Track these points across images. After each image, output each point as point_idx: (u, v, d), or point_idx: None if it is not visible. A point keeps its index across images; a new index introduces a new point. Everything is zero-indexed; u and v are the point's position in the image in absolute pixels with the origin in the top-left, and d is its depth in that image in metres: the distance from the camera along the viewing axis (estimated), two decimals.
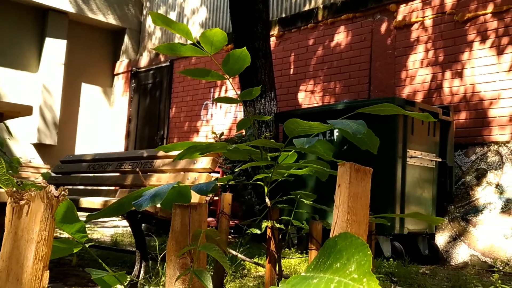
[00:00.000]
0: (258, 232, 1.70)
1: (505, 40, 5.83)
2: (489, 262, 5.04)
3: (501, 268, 4.87)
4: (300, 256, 4.71)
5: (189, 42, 1.58)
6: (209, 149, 1.69)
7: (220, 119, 8.87)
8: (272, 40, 8.15)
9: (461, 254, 5.27)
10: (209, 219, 6.84)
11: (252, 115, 5.93)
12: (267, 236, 1.65)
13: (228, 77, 1.55)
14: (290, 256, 4.65)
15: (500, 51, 5.85)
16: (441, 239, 5.48)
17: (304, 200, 1.74)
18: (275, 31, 8.24)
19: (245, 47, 1.48)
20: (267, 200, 1.61)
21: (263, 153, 1.64)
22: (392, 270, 4.24)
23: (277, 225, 1.65)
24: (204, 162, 3.29)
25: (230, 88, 8.75)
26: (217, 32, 1.40)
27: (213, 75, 1.54)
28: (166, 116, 10.05)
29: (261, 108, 5.98)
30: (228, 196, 1.90)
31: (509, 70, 5.75)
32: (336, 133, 5.46)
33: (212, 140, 7.89)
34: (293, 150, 1.55)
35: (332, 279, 0.67)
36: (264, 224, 1.67)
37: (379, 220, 1.50)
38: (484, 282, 3.37)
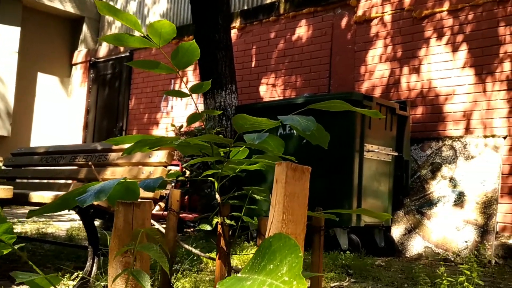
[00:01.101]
0: (209, 228, 1.68)
1: (460, 37, 5.98)
2: (442, 254, 5.19)
3: (452, 259, 5.02)
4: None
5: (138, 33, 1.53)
6: (159, 143, 1.65)
7: (181, 111, 8.77)
8: (234, 32, 8.10)
9: (415, 246, 5.40)
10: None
11: (213, 107, 5.89)
12: (217, 232, 1.63)
13: (178, 70, 1.51)
14: (249, 250, 4.65)
15: (455, 48, 6.00)
16: (396, 231, 5.60)
17: (255, 196, 1.72)
18: (236, 23, 8.19)
19: (194, 40, 1.44)
20: (217, 196, 1.59)
21: (214, 148, 1.61)
22: (348, 263, 4.30)
23: (228, 221, 1.63)
24: (159, 155, 3.23)
25: (191, 80, 8.66)
26: (165, 24, 1.36)
27: (163, 67, 1.50)
28: (125, 108, 9.87)
29: (221, 101, 5.94)
30: (176, 193, 1.87)
31: (463, 67, 5.91)
32: None
33: (172, 133, 7.80)
34: (244, 146, 1.53)
35: (265, 281, 0.66)
36: (214, 220, 1.65)
37: (328, 216, 1.50)
38: (435, 274, 3.46)
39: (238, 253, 4.59)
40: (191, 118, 1.58)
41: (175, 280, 2.79)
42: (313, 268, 1.58)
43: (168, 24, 1.37)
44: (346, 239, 5.01)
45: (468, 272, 2.09)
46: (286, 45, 7.57)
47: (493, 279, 4.14)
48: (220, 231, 1.59)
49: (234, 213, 1.70)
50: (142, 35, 1.49)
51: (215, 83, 5.87)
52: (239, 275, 0.77)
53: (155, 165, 3.26)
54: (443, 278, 2.12)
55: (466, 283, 2.03)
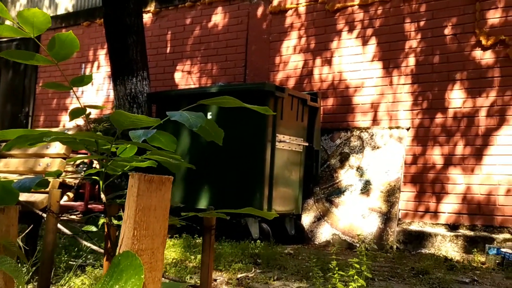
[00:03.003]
0: (94, 229, 1.59)
1: (369, 31, 6.19)
2: (348, 241, 5.40)
3: (358, 246, 5.23)
4: None
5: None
6: (41, 138, 1.53)
7: (92, 96, 8.39)
8: (148, 16, 7.85)
9: (324, 233, 5.58)
10: (77, 203, 6.48)
11: (123, 94, 5.68)
12: (105, 234, 1.55)
13: (56, 62, 1.40)
14: None
15: (365, 42, 6.21)
16: (306, 219, 5.74)
17: None
18: (151, 7, 7.94)
19: (71, 31, 1.34)
20: (102, 196, 1.51)
21: (101, 143, 1.52)
22: (258, 252, 4.35)
23: (116, 222, 1.55)
24: (58, 146, 3.05)
25: (103, 65, 8.30)
26: (36, 13, 1.25)
27: (39, 58, 1.38)
28: (32, 92, 9.28)
29: (132, 87, 5.74)
30: (56, 193, 1.76)
31: (372, 60, 6.13)
32: (209, 116, 5.42)
33: (81, 120, 7.45)
34: (126, 144, 1.45)
35: None
36: (101, 221, 1.56)
37: (219, 215, 1.47)
38: (340, 262, 3.56)
39: None
40: (73, 113, 1.48)
41: (67, 278, 2.65)
42: (203, 269, 1.55)
43: (41, 14, 1.26)
44: (257, 228, 5.07)
45: (358, 266, 2.17)
46: (202, 32, 7.46)
47: (392, 264, 4.37)
48: (107, 232, 1.51)
49: (120, 213, 1.62)
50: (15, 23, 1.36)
51: (126, 69, 5.66)
52: None
53: (53, 156, 3.08)
54: (335, 271, 2.19)
55: (356, 276, 2.11)
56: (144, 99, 5.85)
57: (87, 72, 8.45)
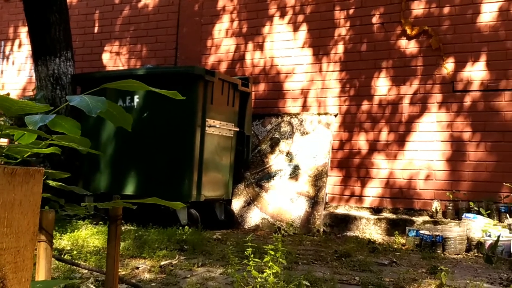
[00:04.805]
0: None
1: (300, 17, 6.22)
2: (277, 224, 5.46)
3: (286, 229, 5.31)
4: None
5: None
6: None
7: (13, 77, 7.92)
8: None
9: (253, 217, 5.61)
10: None
11: (45, 75, 5.39)
12: None
13: None
14: (80, 230, 4.39)
15: (296, 28, 6.24)
16: (237, 204, 5.75)
17: (49, 182, 1.56)
18: None
19: None
20: None
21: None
22: (185, 238, 4.30)
23: None
24: None
25: (25, 43, 7.83)
26: None
27: None
28: None
29: (55, 68, 5.45)
30: None
31: (302, 47, 6.18)
32: (136, 99, 5.27)
33: None
34: (23, 130, 1.35)
35: None
36: None
37: (126, 205, 1.41)
38: (266, 244, 3.58)
39: (69, 232, 4.31)
40: None
41: None
42: (108, 260, 1.48)
43: None
44: (186, 214, 5.01)
45: (273, 252, 2.19)
46: (131, 12, 7.20)
47: (318, 247, 4.46)
48: None
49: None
50: None
51: (48, 49, 5.37)
52: None
53: None
54: (250, 259, 2.19)
55: (271, 263, 2.12)
56: (68, 80, 5.58)
57: (7, 50, 7.95)
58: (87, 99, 1.33)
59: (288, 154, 5.80)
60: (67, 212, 1.49)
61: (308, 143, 5.76)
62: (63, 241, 3.95)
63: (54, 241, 3.95)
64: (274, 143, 5.95)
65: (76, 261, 3.28)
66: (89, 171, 5.49)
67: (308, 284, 2.27)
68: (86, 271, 2.88)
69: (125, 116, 1.56)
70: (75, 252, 3.47)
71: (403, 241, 4.78)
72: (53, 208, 1.38)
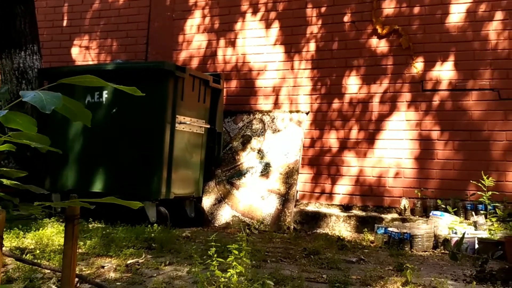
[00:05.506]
0: None
1: (273, 15, 6.21)
2: (247, 222, 5.44)
3: (257, 227, 5.30)
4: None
5: None
6: None
7: None
8: None
9: (224, 215, 5.58)
10: None
11: (9, 69, 5.24)
12: None
13: None
14: (46, 227, 4.29)
15: (268, 25, 6.23)
16: (207, 201, 5.71)
17: (3, 180, 1.50)
18: None
19: None
20: None
21: None
22: (154, 236, 4.24)
23: None
24: None
25: None
26: None
27: None
28: None
29: (20, 62, 5.31)
30: None
31: (275, 44, 6.17)
32: (105, 95, 5.17)
33: None
34: None
35: None
36: None
37: (83, 204, 1.36)
38: (235, 242, 3.55)
39: (34, 230, 4.21)
40: None
41: None
42: (65, 261, 1.43)
43: None
44: (155, 212, 4.94)
45: (237, 252, 2.16)
46: (102, 6, 7.07)
47: (287, 245, 4.46)
48: None
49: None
50: None
51: (12, 42, 5.22)
52: None
53: None
54: (213, 259, 2.16)
55: (234, 263, 2.10)
56: (34, 74, 5.44)
57: None
58: (41, 95, 1.28)
59: (260, 151, 5.79)
60: (20, 212, 1.44)
61: (280, 140, 5.75)
62: (27, 240, 3.85)
63: (17, 240, 3.84)
64: (246, 141, 5.93)
65: (39, 261, 3.20)
66: (56, 167, 5.36)
67: (272, 283, 2.26)
68: (49, 271, 2.81)
69: (84, 112, 1.52)
70: (38, 252, 3.38)
71: (372, 238, 4.82)
72: (5, 208, 1.33)
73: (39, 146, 1.57)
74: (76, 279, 2.56)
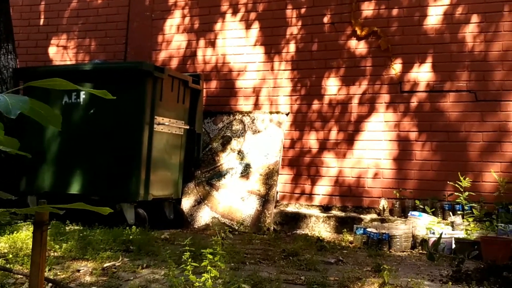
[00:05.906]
0: None
1: (253, 15, 6.20)
2: (227, 223, 5.42)
3: (237, 228, 5.28)
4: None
5: None
6: None
7: None
8: None
9: (204, 216, 5.55)
10: None
11: None
12: None
13: None
14: (20, 231, 4.21)
15: (248, 26, 6.21)
16: (186, 203, 5.67)
17: None
18: None
19: None
20: None
21: None
22: (132, 238, 4.20)
23: None
24: None
25: None
26: None
27: None
28: None
29: None
30: None
31: (255, 45, 6.15)
32: (82, 95, 5.09)
33: None
34: None
35: None
36: None
37: (53, 210, 1.33)
38: (214, 244, 3.53)
39: (8, 234, 4.13)
40: None
41: None
42: (32, 268, 1.40)
43: None
44: (133, 214, 4.89)
45: (211, 256, 2.15)
46: (80, 5, 6.97)
47: (267, 246, 4.45)
48: None
49: None
50: None
51: None
52: None
53: None
54: (188, 263, 2.14)
55: (209, 267, 2.08)
56: (9, 74, 5.34)
57: None
58: (6, 99, 1.24)
59: (240, 152, 5.77)
60: None
61: (260, 141, 5.74)
62: (0, 244, 3.77)
63: None
64: (226, 142, 5.90)
65: (13, 265, 3.13)
66: (32, 169, 5.27)
67: (247, 287, 2.24)
68: (21, 276, 2.75)
69: (55, 116, 1.48)
70: (11, 256, 3.31)
71: (351, 238, 4.84)
72: None
73: (7, 150, 1.53)
74: (50, 284, 2.51)
